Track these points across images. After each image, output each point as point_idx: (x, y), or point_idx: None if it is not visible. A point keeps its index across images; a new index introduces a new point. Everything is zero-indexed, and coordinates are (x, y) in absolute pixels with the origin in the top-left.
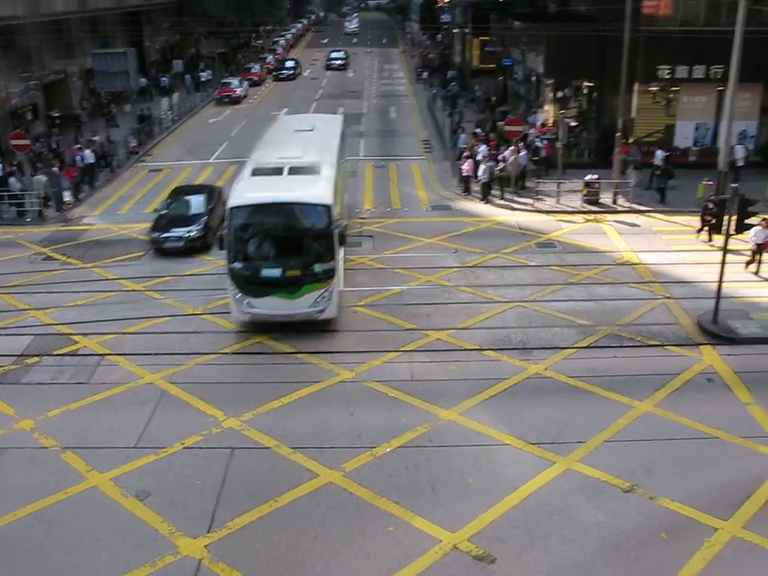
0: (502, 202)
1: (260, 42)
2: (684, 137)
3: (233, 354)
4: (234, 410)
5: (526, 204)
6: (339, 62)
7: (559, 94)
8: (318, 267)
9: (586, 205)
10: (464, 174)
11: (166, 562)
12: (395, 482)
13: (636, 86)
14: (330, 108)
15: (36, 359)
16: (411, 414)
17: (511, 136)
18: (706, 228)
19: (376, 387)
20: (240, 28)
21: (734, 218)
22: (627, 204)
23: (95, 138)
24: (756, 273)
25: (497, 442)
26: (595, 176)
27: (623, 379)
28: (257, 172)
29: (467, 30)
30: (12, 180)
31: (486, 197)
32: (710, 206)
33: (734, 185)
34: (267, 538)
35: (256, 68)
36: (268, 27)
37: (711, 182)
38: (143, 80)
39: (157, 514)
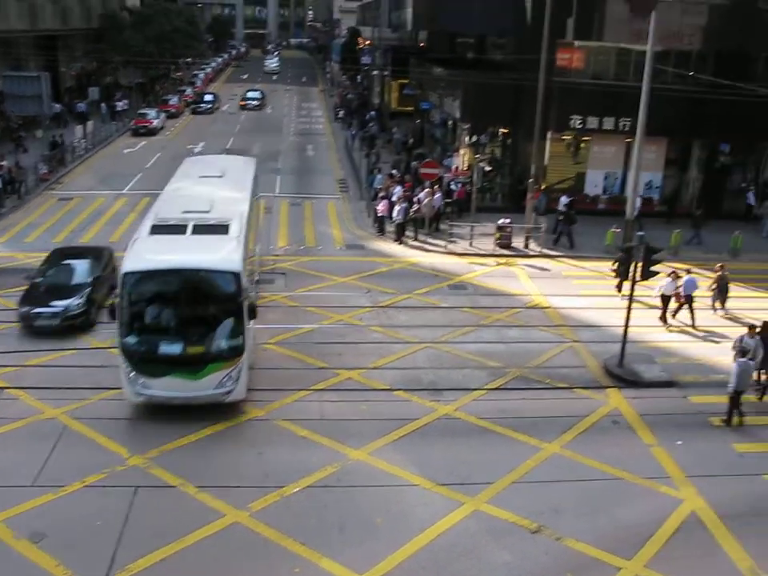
0: (416, 243)
1: (179, 74)
2: (594, 185)
3: None
4: (138, 448)
5: (439, 246)
6: (255, 102)
7: (474, 139)
8: (224, 343)
9: (498, 248)
10: (379, 215)
11: None
12: (303, 522)
13: (549, 134)
14: (247, 143)
15: None
16: (320, 453)
17: (426, 178)
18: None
19: (286, 426)
20: (159, 59)
21: (640, 265)
22: (538, 249)
23: (2, 163)
24: (671, 318)
25: (406, 483)
26: (508, 220)
27: (531, 421)
28: (157, 229)
29: (386, 73)
30: None
31: (400, 238)
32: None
33: (639, 233)
34: None
35: (174, 100)
36: (188, 60)
37: (619, 230)
38: (57, 106)
39: (52, 557)
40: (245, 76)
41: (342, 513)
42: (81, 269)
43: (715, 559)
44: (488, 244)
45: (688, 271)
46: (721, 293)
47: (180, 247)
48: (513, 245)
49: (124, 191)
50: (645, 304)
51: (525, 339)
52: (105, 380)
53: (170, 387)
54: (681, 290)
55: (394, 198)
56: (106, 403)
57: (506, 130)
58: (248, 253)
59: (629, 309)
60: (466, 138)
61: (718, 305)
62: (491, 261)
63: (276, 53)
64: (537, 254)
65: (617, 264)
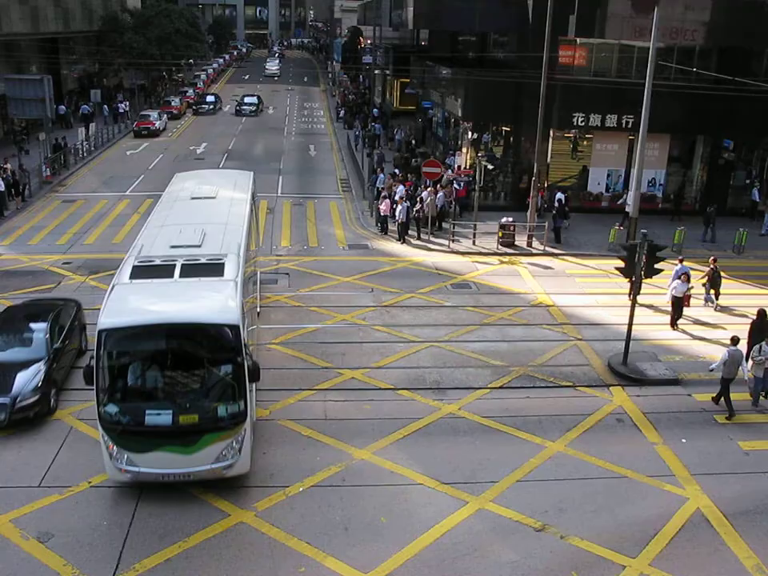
0: (419, 242)
1: (180, 75)
2: (597, 182)
3: None
4: None
5: (442, 245)
6: (251, 107)
7: (476, 137)
8: (222, 409)
9: (501, 247)
10: (382, 214)
11: None
12: (308, 521)
13: (551, 132)
14: (249, 144)
15: None
16: (325, 453)
17: (428, 177)
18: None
19: (290, 426)
20: (161, 61)
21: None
22: (541, 247)
23: (6, 166)
24: (673, 326)
25: (410, 482)
26: (510, 219)
27: (536, 419)
28: (139, 272)
29: (388, 72)
30: None
31: (402, 237)
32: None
33: (643, 230)
34: None
35: (176, 101)
36: (190, 61)
37: (622, 228)
38: (63, 107)
39: (60, 557)
40: (246, 77)
41: (347, 512)
42: (37, 338)
43: (720, 557)
44: (491, 242)
45: (681, 260)
46: (713, 286)
47: (167, 295)
48: (516, 243)
49: (127, 193)
50: (656, 309)
51: (528, 338)
52: None
53: (159, 463)
54: (691, 292)
55: (396, 198)
56: None
57: (508, 128)
58: (247, 292)
59: (632, 307)
60: (468, 137)
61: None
62: (494, 259)
63: (277, 54)
64: (540, 252)
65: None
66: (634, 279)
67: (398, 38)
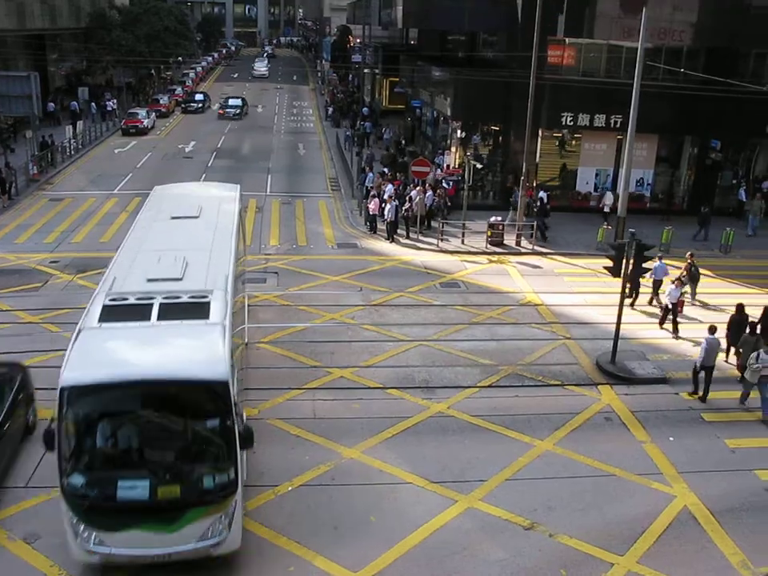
0: (408, 241)
1: (169, 73)
2: (585, 182)
3: None
4: None
5: (431, 244)
6: (235, 110)
7: (465, 135)
8: (209, 480)
9: (490, 246)
10: (371, 213)
11: None
12: (297, 520)
13: (540, 132)
14: (238, 142)
15: None
16: (314, 452)
17: (417, 176)
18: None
19: (279, 425)
20: (149, 58)
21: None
22: (530, 246)
23: None
24: (674, 333)
25: (399, 481)
26: (499, 218)
27: (524, 418)
28: (110, 313)
29: (377, 71)
30: None
31: (391, 236)
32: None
33: (631, 230)
34: None
35: (164, 99)
36: (179, 59)
37: (610, 227)
38: (51, 104)
39: (46, 558)
40: (235, 75)
41: (336, 511)
42: None
43: (707, 554)
44: (480, 242)
45: (659, 257)
46: (691, 281)
47: (142, 343)
48: (505, 242)
49: (115, 191)
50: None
51: (517, 337)
52: None
53: (134, 543)
54: (687, 296)
55: (385, 197)
56: None
57: (497, 128)
58: (236, 323)
59: (620, 306)
60: (457, 136)
61: (688, 292)
62: (483, 258)
63: (266, 54)
64: (529, 251)
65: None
66: (631, 282)
67: (388, 37)
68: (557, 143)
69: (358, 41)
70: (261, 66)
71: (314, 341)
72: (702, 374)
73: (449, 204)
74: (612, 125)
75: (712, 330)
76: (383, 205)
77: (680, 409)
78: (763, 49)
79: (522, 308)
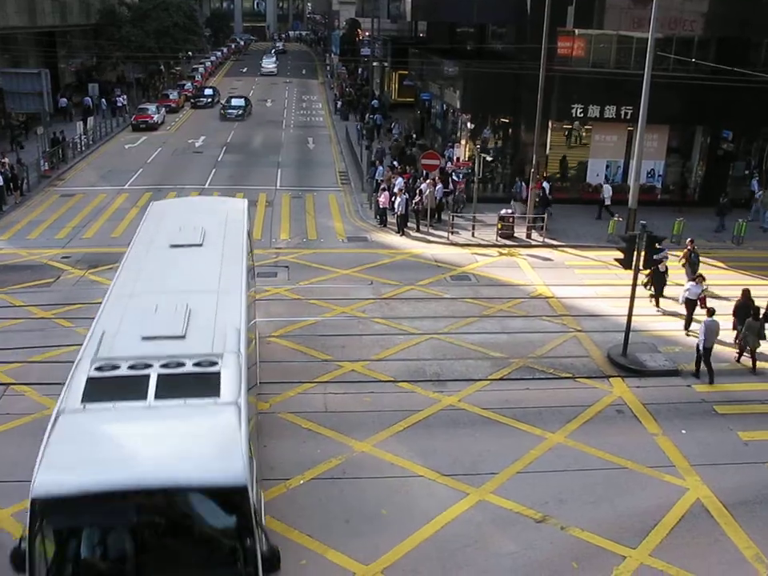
0: (418, 234)
1: (178, 68)
2: (596, 174)
3: None
4: None
5: (441, 237)
6: (237, 111)
7: (474, 127)
8: None
9: (500, 239)
10: (381, 206)
11: None
12: (309, 514)
13: (550, 124)
14: (247, 137)
15: None
16: (325, 445)
17: (427, 169)
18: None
19: (290, 418)
20: (159, 54)
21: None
22: (540, 238)
23: (4, 160)
24: (686, 329)
25: (411, 474)
26: (509, 210)
27: (536, 411)
28: (96, 389)
29: (386, 64)
30: None
31: (401, 229)
32: (662, 269)
33: (642, 222)
34: None
35: (174, 95)
36: (188, 54)
37: (621, 219)
38: (63, 100)
39: None
40: (244, 69)
41: (348, 504)
42: None
43: (720, 547)
44: (490, 234)
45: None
46: (690, 266)
47: (137, 434)
48: (515, 235)
49: (125, 187)
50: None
51: (528, 329)
52: None
53: None
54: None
55: (395, 190)
56: None
57: (506, 120)
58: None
59: (632, 298)
60: (467, 129)
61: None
62: (493, 251)
63: (274, 51)
64: (539, 243)
65: (648, 278)
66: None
67: (397, 30)
68: (565, 134)
69: (367, 34)
70: (269, 63)
71: (324, 334)
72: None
73: (464, 197)
74: (622, 116)
75: (710, 312)
76: (393, 198)
77: (692, 401)
78: None
79: (533, 300)
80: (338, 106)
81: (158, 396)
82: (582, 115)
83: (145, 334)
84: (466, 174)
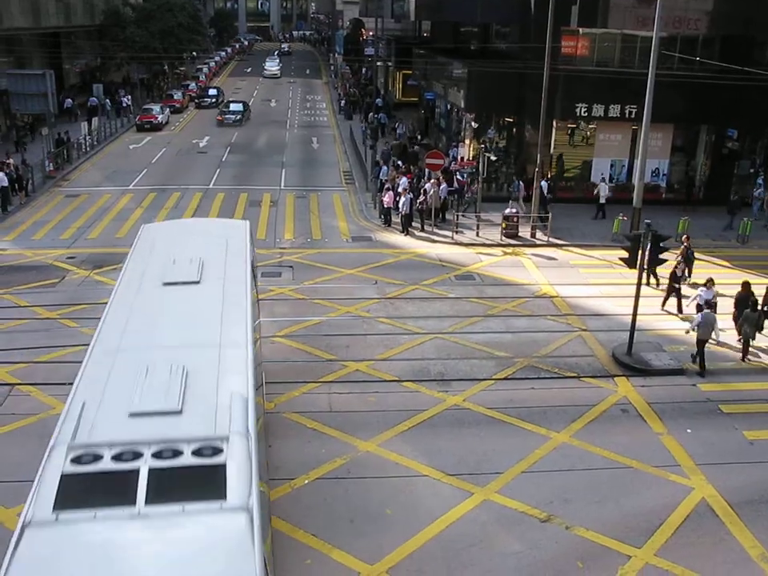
0: (423, 234)
1: (183, 69)
2: (600, 173)
3: None
4: None
5: (445, 236)
6: (235, 116)
7: (478, 126)
8: None
9: (505, 238)
10: (385, 206)
11: None
12: (313, 514)
13: (554, 123)
14: (251, 137)
15: None
16: (330, 445)
17: (431, 169)
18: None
19: (295, 418)
20: (163, 54)
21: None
22: (545, 238)
23: (9, 161)
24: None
25: (415, 474)
26: (514, 210)
27: (540, 410)
28: (72, 490)
29: (390, 64)
30: None
31: (406, 229)
32: (679, 273)
33: (647, 221)
34: None
35: (178, 95)
36: (193, 54)
37: (626, 218)
38: (69, 100)
39: None
40: (248, 69)
41: (352, 504)
42: None
43: (726, 547)
44: (495, 234)
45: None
46: (686, 262)
47: (122, 556)
48: (519, 234)
49: (130, 187)
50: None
51: (533, 329)
52: None
53: None
54: (717, 299)
55: (399, 189)
56: None
57: (511, 119)
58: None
59: (637, 297)
60: (471, 128)
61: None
62: (498, 251)
63: (276, 52)
64: (544, 243)
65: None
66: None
67: (400, 30)
68: (567, 132)
69: (371, 34)
70: (272, 66)
71: (329, 334)
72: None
73: (466, 195)
74: (627, 115)
75: (707, 305)
76: (398, 198)
77: (697, 400)
78: None
79: (538, 300)
80: (342, 105)
81: (149, 500)
82: (586, 114)
83: (133, 409)
84: (471, 173)
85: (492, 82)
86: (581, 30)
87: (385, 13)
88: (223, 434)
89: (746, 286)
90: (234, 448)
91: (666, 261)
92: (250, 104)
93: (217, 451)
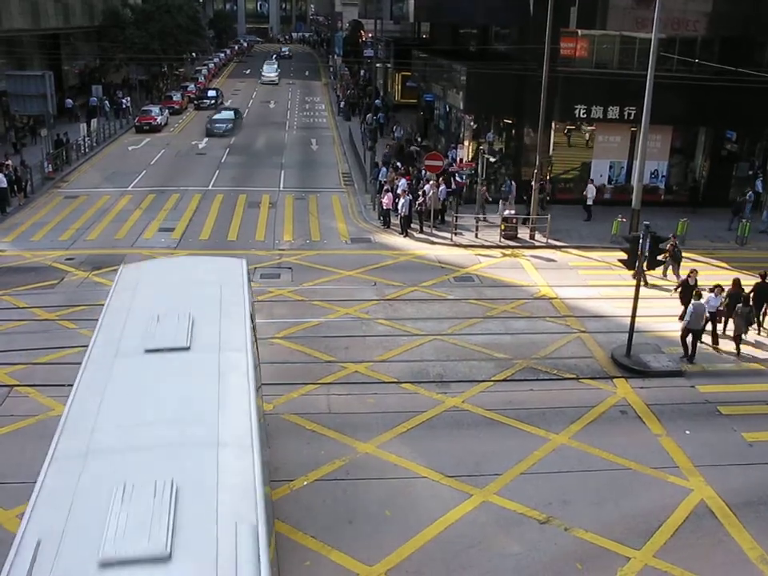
0: (422, 235)
1: (182, 70)
2: (599, 174)
3: None
4: None
5: (444, 238)
6: (224, 126)
7: (476, 126)
8: None
9: (504, 240)
10: (384, 208)
11: None
12: (312, 515)
13: (553, 125)
14: (250, 138)
15: None
16: (329, 447)
17: (430, 171)
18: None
19: (293, 420)
20: (163, 56)
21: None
22: (544, 239)
23: (8, 162)
24: (715, 346)
25: (414, 475)
26: (513, 211)
27: (539, 412)
28: None
29: (389, 65)
30: None
31: (405, 230)
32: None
33: (646, 222)
34: None
35: (177, 96)
36: (192, 55)
37: (625, 220)
38: (69, 101)
39: None
40: (248, 71)
41: (351, 505)
42: None
43: (725, 548)
44: (494, 235)
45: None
46: (673, 260)
47: None
48: (518, 236)
49: (129, 188)
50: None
51: (532, 330)
52: None
53: None
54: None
55: (399, 191)
56: None
57: (509, 121)
58: None
59: (636, 299)
60: (470, 130)
61: (670, 272)
62: (497, 252)
63: (274, 56)
64: (543, 244)
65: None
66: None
67: (399, 32)
68: (565, 132)
69: (370, 35)
70: (270, 72)
71: (328, 336)
72: (690, 337)
73: (487, 199)
74: (626, 116)
75: (698, 295)
76: (397, 199)
77: (696, 402)
78: None
79: (537, 301)
80: (341, 106)
81: None
82: (585, 116)
83: (105, 555)
84: (470, 174)
85: (491, 84)
86: (580, 31)
87: (384, 14)
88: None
89: (737, 282)
90: None
91: (663, 263)
92: (244, 112)
93: None
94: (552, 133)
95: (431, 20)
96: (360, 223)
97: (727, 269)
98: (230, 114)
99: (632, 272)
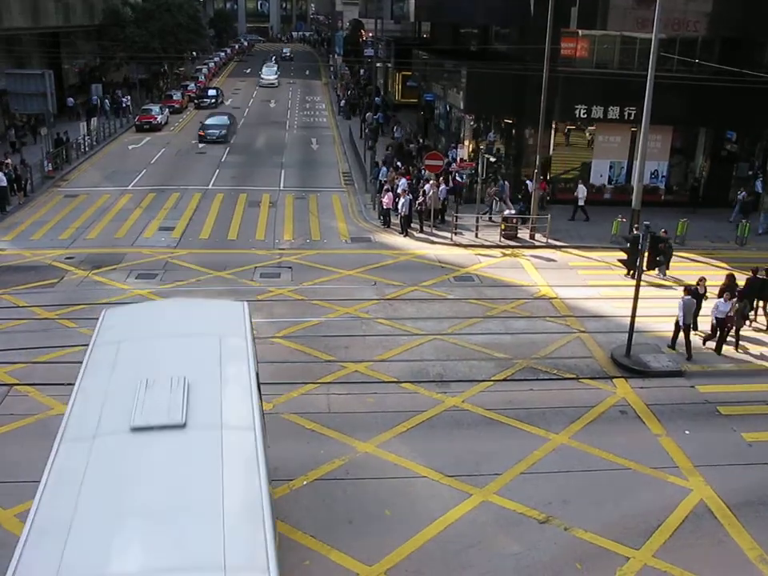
0: (422, 235)
1: (182, 69)
2: (599, 174)
3: None
4: None
5: (445, 238)
6: (219, 131)
7: (476, 126)
8: None
9: (504, 239)
10: (384, 207)
11: None
12: (312, 515)
13: (554, 125)
14: (251, 137)
15: None
16: (328, 446)
17: (430, 170)
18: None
19: (293, 419)
20: (162, 55)
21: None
22: (544, 239)
23: (7, 161)
24: (718, 352)
25: (414, 475)
26: (513, 211)
27: (539, 412)
28: None
29: (389, 65)
30: None
31: (405, 230)
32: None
33: (646, 222)
34: None
35: (177, 95)
36: (193, 53)
37: (624, 220)
38: (70, 99)
39: None
40: (248, 70)
41: (351, 505)
42: None
43: (724, 548)
44: (494, 235)
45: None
46: (665, 256)
47: None
48: (519, 236)
49: (129, 187)
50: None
51: (532, 330)
52: None
53: None
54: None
55: (399, 191)
56: None
57: (510, 121)
58: None
59: (635, 299)
60: (470, 129)
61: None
62: (497, 252)
63: (273, 57)
64: (543, 244)
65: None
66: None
67: (400, 31)
68: (565, 132)
69: (371, 35)
70: (269, 74)
71: (328, 335)
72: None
73: (496, 200)
74: (626, 117)
75: (687, 291)
76: (397, 199)
77: (696, 402)
78: None
79: (537, 301)
80: (342, 106)
81: None
82: (585, 116)
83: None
84: (470, 174)
85: (491, 84)
86: (580, 31)
87: (384, 14)
88: None
89: (731, 277)
90: None
91: (662, 263)
92: (244, 112)
93: None
94: (552, 133)
95: (432, 20)
96: (360, 223)
97: (727, 269)
98: (223, 120)
99: (626, 272)
